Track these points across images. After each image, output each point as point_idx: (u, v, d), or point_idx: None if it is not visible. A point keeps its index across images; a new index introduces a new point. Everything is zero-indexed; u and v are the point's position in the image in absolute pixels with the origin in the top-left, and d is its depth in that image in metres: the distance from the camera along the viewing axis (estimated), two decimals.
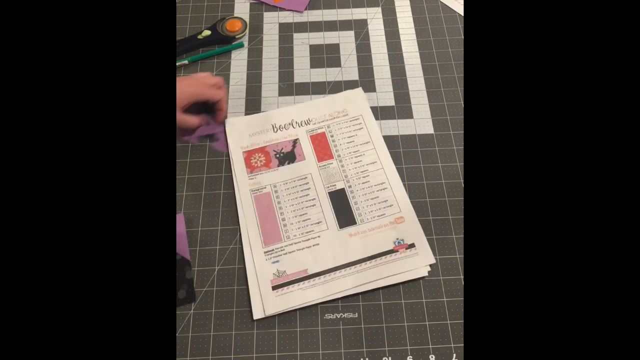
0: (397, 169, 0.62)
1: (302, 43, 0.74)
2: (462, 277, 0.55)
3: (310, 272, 0.55)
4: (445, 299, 0.54)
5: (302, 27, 0.76)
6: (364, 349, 0.51)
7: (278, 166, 0.63)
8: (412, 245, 0.56)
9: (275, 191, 0.61)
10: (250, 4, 0.78)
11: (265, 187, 0.61)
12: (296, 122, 0.66)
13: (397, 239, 0.57)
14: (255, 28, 0.76)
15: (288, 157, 0.63)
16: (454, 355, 0.50)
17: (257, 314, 0.52)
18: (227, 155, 0.64)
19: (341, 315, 0.53)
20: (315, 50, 0.73)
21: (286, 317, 0.53)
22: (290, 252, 0.56)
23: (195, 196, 0.60)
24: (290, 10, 0.77)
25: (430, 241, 0.57)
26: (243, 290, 0.54)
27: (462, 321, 0.52)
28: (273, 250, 0.57)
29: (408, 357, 0.50)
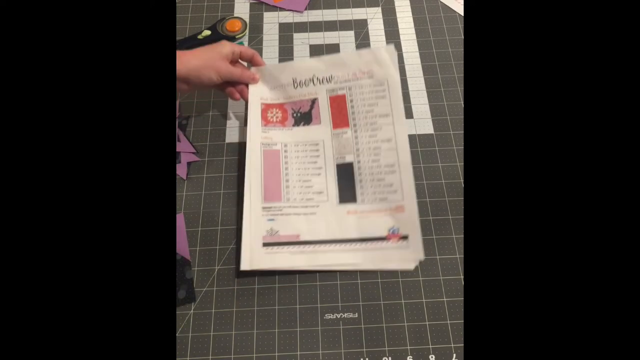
0: None
1: (302, 43, 0.74)
2: (462, 277, 0.55)
3: (302, 238, 0.55)
4: (445, 299, 0.54)
5: (302, 27, 0.76)
6: (364, 349, 0.51)
7: (293, 126, 0.62)
8: (405, 237, 0.55)
9: (285, 151, 0.60)
10: (250, 4, 0.78)
11: (276, 144, 0.60)
12: (317, 79, 0.63)
13: (393, 227, 0.56)
14: (255, 28, 0.76)
15: (304, 117, 0.62)
16: (454, 355, 0.50)
17: (244, 265, 0.53)
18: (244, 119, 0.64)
19: (341, 315, 0.53)
20: (315, 50, 0.73)
21: (286, 317, 0.53)
22: (287, 214, 0.57)
23: (195, 196, 0.60)
24: (290, 10, 0.77)
25: (430, 241, 0.57)
26: (243, 290, 0.54)
27: (462, 321, 0.52)
28: (271, 208, 0.57)
29: (408, 357, 0.50)
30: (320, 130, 0.61)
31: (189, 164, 0.63)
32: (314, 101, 0.63)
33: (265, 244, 0.55)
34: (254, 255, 0.54)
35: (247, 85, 0.63)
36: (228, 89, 0.63)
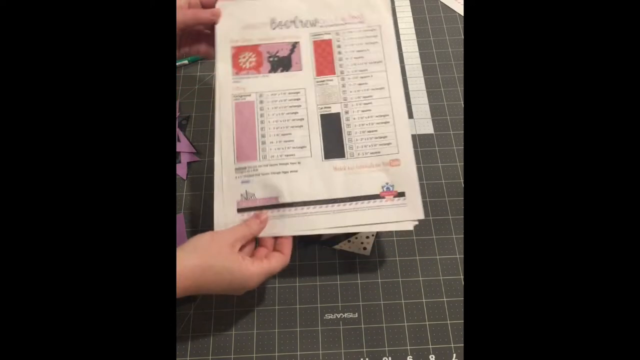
0: None
1: None
2: (462, 277, 0.55)
3: (281, 200, 0.50)
4: (445, 299, 0.54)
5: None
6: (364, 349, 0.51)
7: (269, 72, 0.54)
8: (401, 194, 0.50)
9: (261, 101, 0.53)
10: None
11: (249, 95, 0.53)
12: (300, 21, 0.55)
13: (387, 183, 0.50)
14: None
15: (283, 63, 0.55)
16: (454, 355, 0.50)
17: None
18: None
19: (341, 315, 0.53)
20: None
21: (286, 317, 0.53)
22: (263, 174, 0.50)
23: (195, 196, 0.60)
24: None
25: (430, 241, 0.57)
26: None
27: (462, 321, 0.52)
28: (245, 168, 0.51)
29: (408, 357, 0.50)
30: (301, 78, 0.54)
31: (189, 164, 0.63)
32: (294, 45, 0.55)
33: (240, 210, 0.50)
34: (228, 224, 0.49)
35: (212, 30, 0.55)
36: (193, 47, 0.55)
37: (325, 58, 0.55)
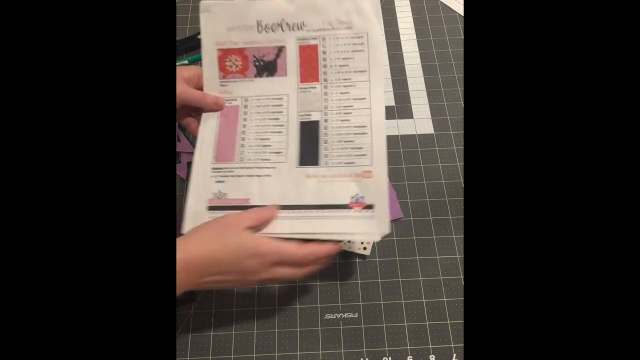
0: (397, 169, 0.62)
1: None
2: (462, 277, 0.55)
3: (252, 203, 0.50)
4: (445, 299, 0.54)
5: None
6: (364, 349, 0.51)
7: (255, 76, 0.54)
8: (370, 207, 0.49)
9: (245, 106, 0.54)
10: None
11: (235, 100, 0.54)
12: (287, 24, 0.54)
13: (357, 194, 0.50)
14: None
15: (268, 67, 0.54)
16: (454, 355, 0.50)
17: (187, 229, 0.49)
18: None
19: (341, 315, 0.53)
20: None
21: (286, 317, 0.53)
22: (238, 176, 0.51)
23: None
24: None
25: (430, 241, 0.57)
26: (243, 290, 0.54)
27: (462, 321, 0.52)
28: (222, 169, 0.52)
29: (408, 357, 0.50)
30: (286, 84, 0.54)
31: (189, 164, 0.63)
32: (280, 49, 0.55)
33: (211, 208, 0.50)
34: (197, 220, 0.49)
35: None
36: (185, 120, 0.55)
37: (310, 64, 0.55)
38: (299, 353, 0.51)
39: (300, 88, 0.54)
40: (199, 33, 0.73)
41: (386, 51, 0.73)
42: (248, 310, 0.53)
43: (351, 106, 0.53)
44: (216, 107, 0.54)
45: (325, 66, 0.54)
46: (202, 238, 0.44)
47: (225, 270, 0.44)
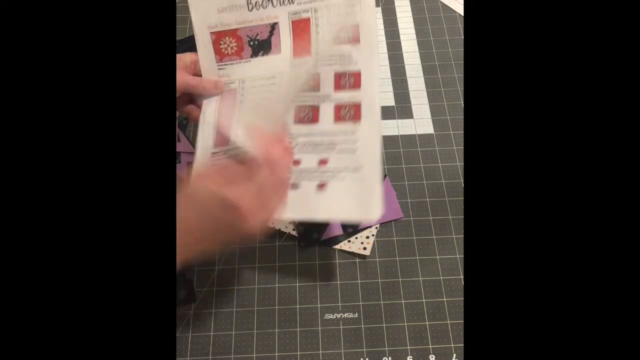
0: (397, 169, 0.62)
1: None
2: (462, 277, 0.55)
3: None
4: (445, 299, 0.54)
5: None
6: (364, 349, 0.51)
7: (251, 56, 0.53)
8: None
9: (242, 88, 0.53)
10: None
11: (233, 82, 0.53)
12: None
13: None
14: None
15: (263, 46, 0.53)
16: (454, 355, 0.51)
17: None
18: None
19: (341, 315, 0.53)
20: None
21: (286, 317, 0.53)
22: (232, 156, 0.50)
23: None
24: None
25: (430, 241, 0.57)
26: (243, 290, 0.54)
27: (462, 321, 0.52)
28: (218, 152, 0.51)
29: (408, 357, 0.50)
30: (279, 61, 0.53)
31: (189, 164, 0.63)
32: (273, 26, 0.53)
33: None
34: None
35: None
36: (186, 108, 0.54)
37: (303, 40, 0.53)
38: (299, 353, 0.51)
39: (293, 64, 0.52)
40: None
41: (386, 51, 0.73)
42: (248, 310, 0.53)
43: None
44: (216, 90, 0.52)
45: (317, 40, 0.53)
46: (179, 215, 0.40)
47: (203, 227, 0.40)
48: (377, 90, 0.51)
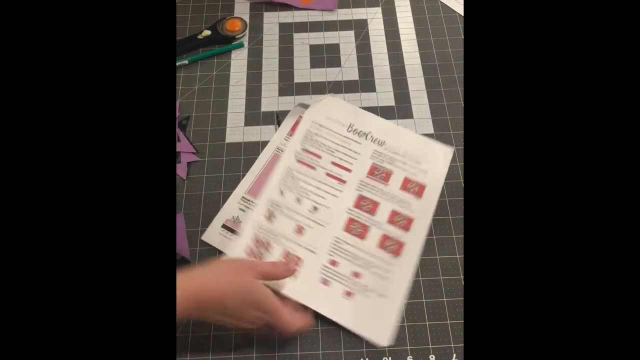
0: None
1: (302, 43, 0.74)
2: (462, 277, 0.55)
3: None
4: (445, 299, 0.54)
5: (302, 27, 0.76)
6: (364, 349, 0.51)
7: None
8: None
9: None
10: (250, 4, 0.78)
11: (284, 151, 0.62)
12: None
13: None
14: (255, 28, 0.76)
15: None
16: (454, 355, 0.50)
17: (205, 237, 0.57)
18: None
19: None
20: (315, 50, 0.73)
21: None
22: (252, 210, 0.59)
23: (195, 196, 0.60)
24: (322, 9, 0.77)
25: (430, 241, 0.57)
26: None
27: (462, 321, 0.52)
28: (249, 200, 0.59)
29: (408, 357, 0.50)
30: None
31: (189, 164, 0.63)
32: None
33: (223, 226, 0.58)
34: (211, 232, 0.57)
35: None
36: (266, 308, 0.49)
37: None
38: (299, 353, 0.51)
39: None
40: (199, 33, 0.73)
41: (386, 51, 0.73)
42: None
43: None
44: (287, 273, 0.51)
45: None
46: (217, 278, 0.46)
47: (229, 314, 0.46)
48: (422, 239, 0.56)
